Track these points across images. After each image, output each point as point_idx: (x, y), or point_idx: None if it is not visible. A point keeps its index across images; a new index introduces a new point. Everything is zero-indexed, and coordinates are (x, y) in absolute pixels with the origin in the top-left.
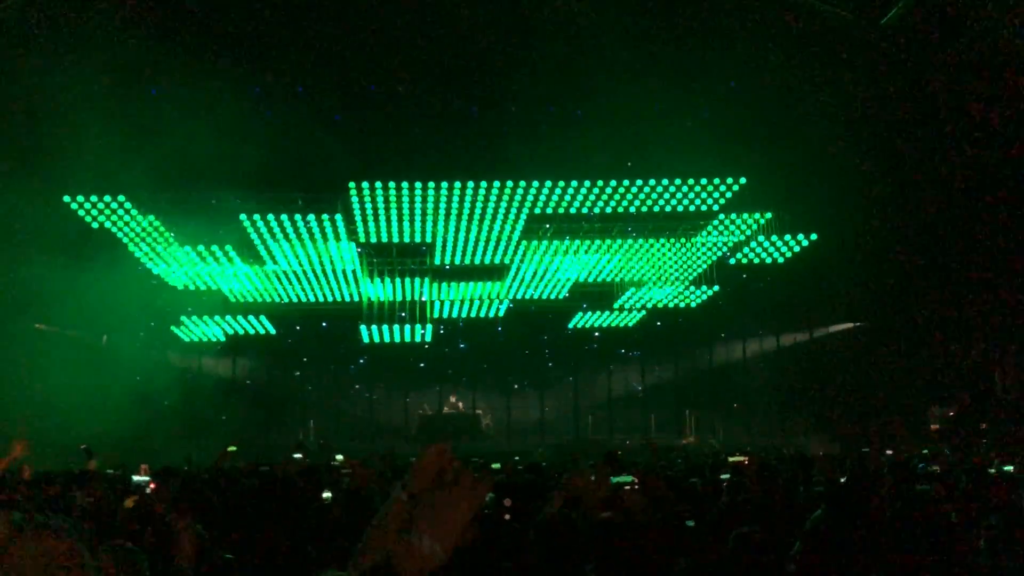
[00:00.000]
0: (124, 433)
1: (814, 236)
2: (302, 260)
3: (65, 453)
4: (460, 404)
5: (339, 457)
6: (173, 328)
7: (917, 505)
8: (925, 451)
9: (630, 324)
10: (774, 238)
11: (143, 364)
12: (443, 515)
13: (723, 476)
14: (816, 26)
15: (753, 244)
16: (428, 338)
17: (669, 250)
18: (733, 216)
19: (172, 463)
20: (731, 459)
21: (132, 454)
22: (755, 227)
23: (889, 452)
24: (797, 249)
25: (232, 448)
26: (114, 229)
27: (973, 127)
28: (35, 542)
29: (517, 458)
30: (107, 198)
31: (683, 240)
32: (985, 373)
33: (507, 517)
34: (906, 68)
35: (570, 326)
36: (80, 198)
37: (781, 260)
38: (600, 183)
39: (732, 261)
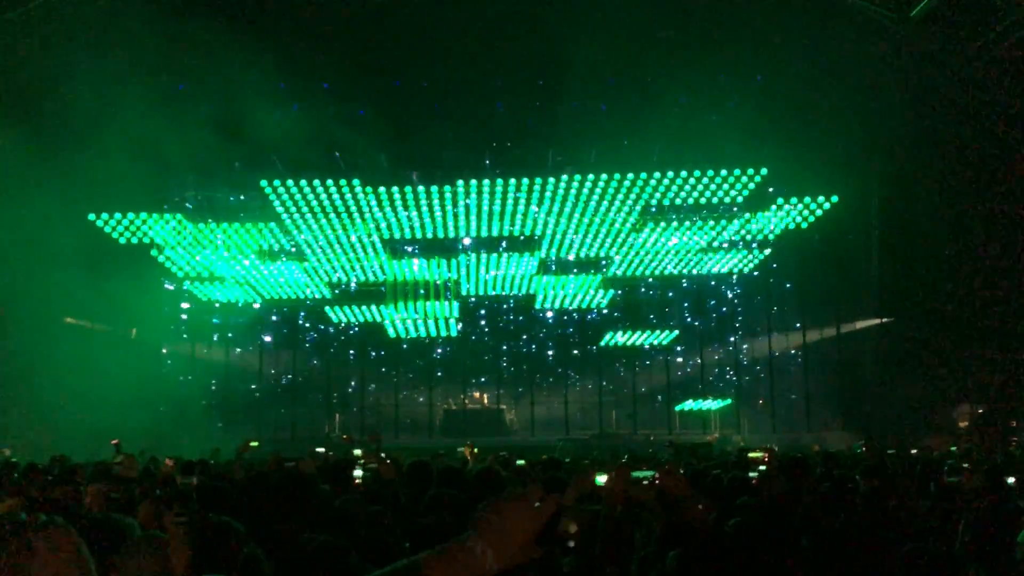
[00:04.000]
0: (154, 426)
1: (835, 198)
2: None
3: (96, 445)
4: (484, 399)
5: (357, 452)
6: (187, 285)
7: (945, 499)
8: (953, 448)
9: (664, 343)
10: (793, 200)
11: (172, 358)
12: (507, 527)
13: (751, 474)
14: (845, 19)
15: (774, 209)
16: (454, 332)
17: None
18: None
19: (202, 455)
20: (750, 454)
21: (162, 446)
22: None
23: (914, 451)
24: (819, 213)
25: (254, 443)
26: (144, 241)
27: (1004, 117)
28: (37, 542)
29: (545, 457)
30: (131, 215)
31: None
32: (1014, 369)
33: (571, 544)
34: (936, 59)
35: (601, 344)
36: (105, 215)
37: (804, 225)
38: (631, 175)
39: (760, 235)
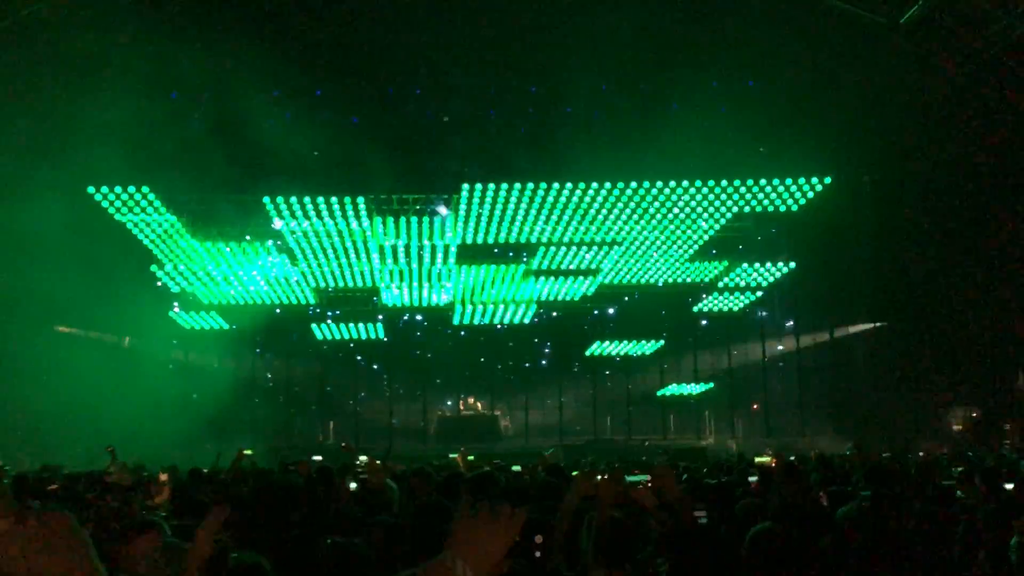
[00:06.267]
0: (146, 435)
1: (828, 179)
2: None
3: (90, 454)
4: (479, 405)
5: (362, 458)
6: (171, 314)
7: (944, 502)
8: (945, 452)
9: (647, 353)
10: (788, 181)
11: (165, 365)
12: (481, 543)
13: (752, 479)
14: (834, 23)
15: (768, 190)
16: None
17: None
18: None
19: (194, 464)
20: (757, 459)
21: (157, 455)
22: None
23: (920, 455)
24: (811, 195)
25: (248, 451)
26: (136, 222)
27: (995, 120)
28: (36, 529)
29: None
30: (131, 188)
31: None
32: (1007, 372)
33: (538, 554)
34: (926, 64)
35: (587, 353)
36: (104, 189)
37: (795, 208)
38: (625, 184)
39: (747, 209)
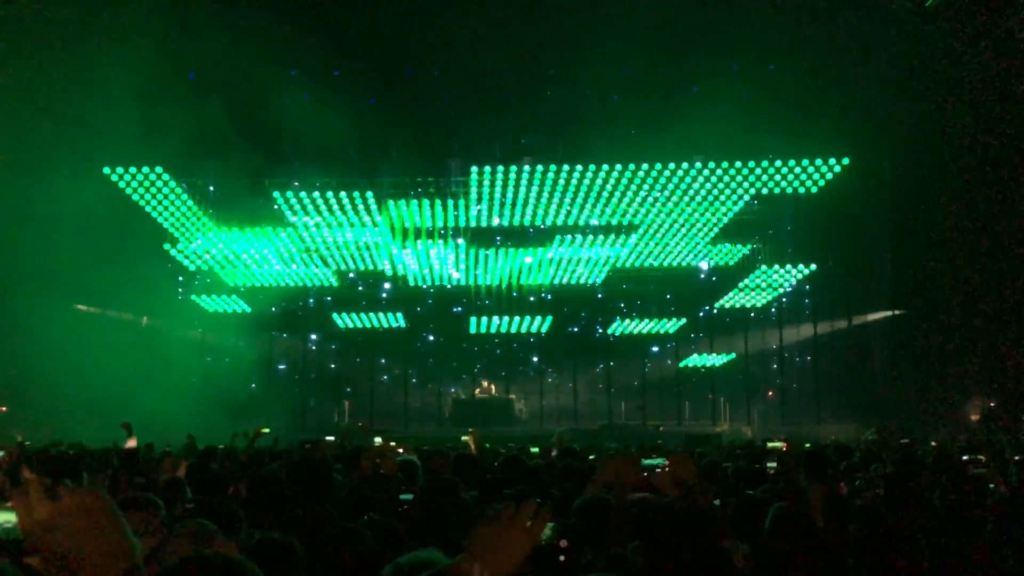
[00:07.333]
0: (166, 413)
1: (846, 160)
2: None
3: (110, 431)
4: (493, 388)
5: (377, 440)
6: (194, 297)
7: (973, 490)
8: (960, 442)
9: (671, 331)
10: (805, 162)
11: (183, 345)
12: (500, 546)
13: (770, 464)
14: (857, 6)
15: (785, 171)
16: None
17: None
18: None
19: (213, 443)
20: (769, 444)
21: (172, 434)
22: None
23: (933, 444)
24: (830, 176)
25: (266, 430)
26: (154, 203)
27: (1018, 105)
28: (73, 508)
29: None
30: (145, 169)
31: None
32: None
33: (562, 558)
34: (950, 49)
35: (610, 332)
36: (120, 170)
37: (815, 190)
38: (633, 166)
39: (765, 191)
